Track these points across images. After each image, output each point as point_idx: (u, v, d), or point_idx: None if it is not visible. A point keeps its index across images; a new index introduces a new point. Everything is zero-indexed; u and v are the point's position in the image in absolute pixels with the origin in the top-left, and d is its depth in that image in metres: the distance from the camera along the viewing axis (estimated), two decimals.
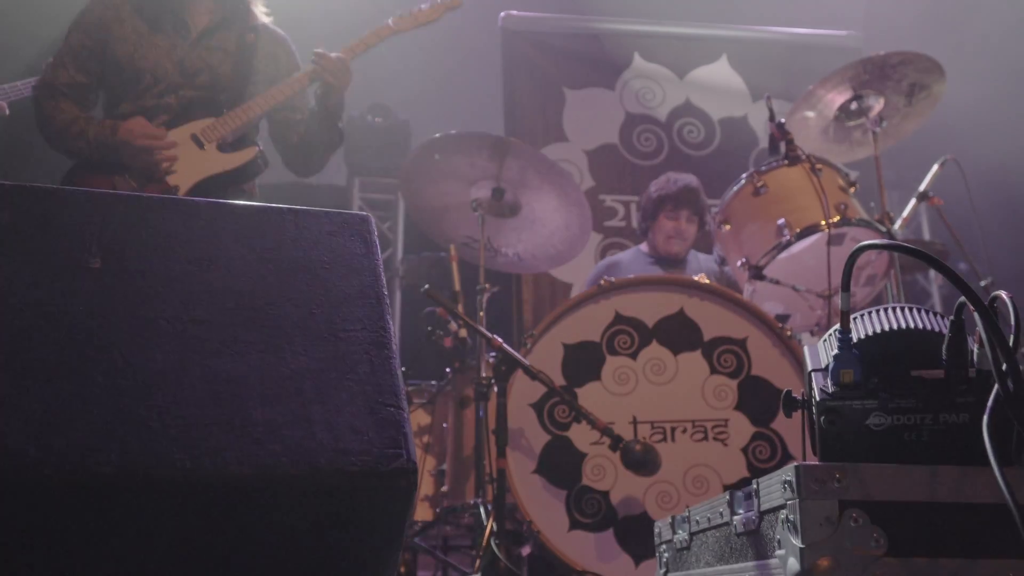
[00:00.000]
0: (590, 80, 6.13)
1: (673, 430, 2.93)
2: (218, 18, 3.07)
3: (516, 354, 2.86)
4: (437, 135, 3.53)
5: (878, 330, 1.23)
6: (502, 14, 6.15)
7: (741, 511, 1.29)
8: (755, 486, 1.21)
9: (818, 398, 1.19)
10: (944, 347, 1.17)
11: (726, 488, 2.87)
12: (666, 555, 1.72)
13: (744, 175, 3.41)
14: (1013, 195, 5.90)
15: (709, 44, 6.33)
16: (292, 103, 3.15)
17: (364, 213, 1.38)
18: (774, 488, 1.13)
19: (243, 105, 3.00)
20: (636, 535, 2.82)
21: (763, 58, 6.33)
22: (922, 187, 4.04)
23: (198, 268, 1.16)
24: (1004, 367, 1.05)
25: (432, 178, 3.62)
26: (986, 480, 1.05)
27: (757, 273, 3.24)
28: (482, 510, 3.02)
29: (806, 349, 1.32)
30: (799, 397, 1.29)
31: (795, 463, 1.07)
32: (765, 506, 1.17)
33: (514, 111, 5.97)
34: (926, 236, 6.52)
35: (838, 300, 3.29)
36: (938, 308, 6.75)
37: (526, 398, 2.96)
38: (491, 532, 2.77)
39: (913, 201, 4.06)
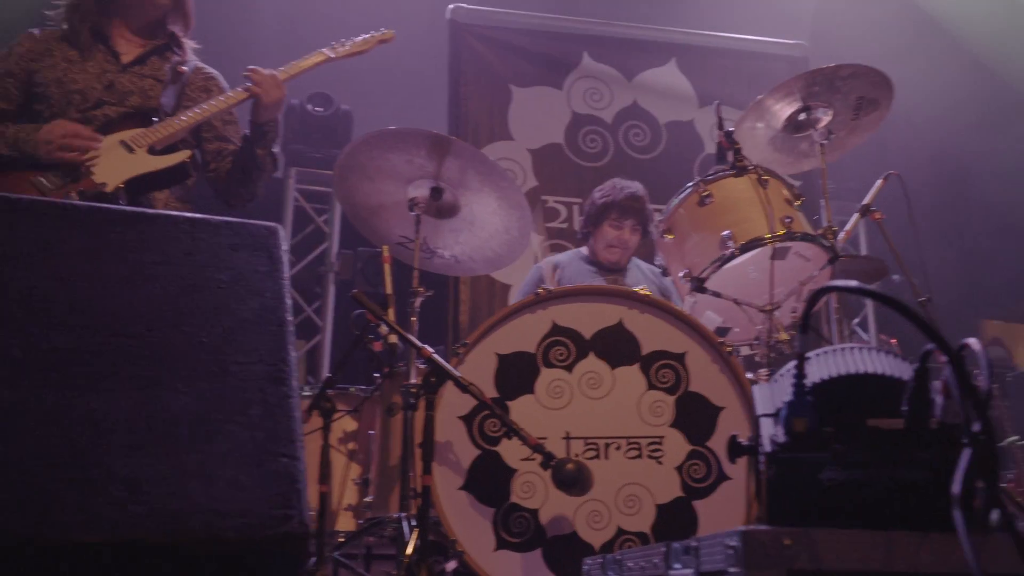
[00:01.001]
0: (538, 78, 6.02)
1: (607, 447, 2.82)
2: (149, 49, 3.08)
3: (447, 365, 2.71)
4: (374, 131, 3.37)
5: (834, 374, 1.12)
6: (451, 6, 6.01)
7: (678, 565, 1.18)
8: (695, 544, 1.10)
9: (768, 449, 1.08)
10: (906, 397, 1.06)
11: (659, 508, 2.77)
12: None
13: (690, 184, 3.31)
14: (952, 212, 5.94)
15: (659, 48, 6.26)
16: (226, 133, 3.15)
17: (272, 224, 1.23)
18: (716, 550, 1.02)
19: (174, 117, 2.93)
20: (565, 556, 2.70)
21: (711, 64, 6.29)
22: (865, 201, 4.01)
23: (64, 285, 0.99)
24: (976, 426, 0.95)
25: (368, 175, 3.46)
26: (948, 549, 0.95)
27: (699, 285, 3.15)
28: (405, 525, 2.88)
29: (755, 389, 1.21)
30: (745, 443, 1.17)
31: (741, 528, 0.96)
32: (706, 567, 1.06)
33: (459, 106, 5.84)
34: (863, 250, 6.54)
35: (779, 314, 3.23)
36: (871, 323, 6.79)
37: (456, 410, 2.82)
38: (414, 550, 2.63)
39: (856, 215, 4.04)
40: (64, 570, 0.81)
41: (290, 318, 1.13)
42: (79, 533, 0.79)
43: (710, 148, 6.13)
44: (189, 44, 3.18)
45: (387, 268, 3.38)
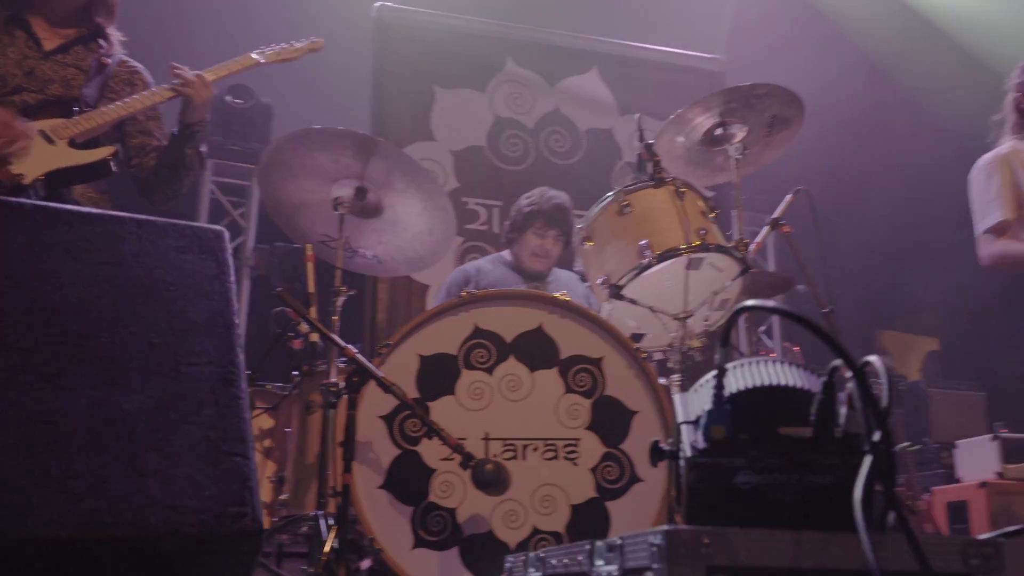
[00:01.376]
0: (461, 80, 6.06)
1: (525, 448, 2.89)
2: (73, 38, 3.02)
3: (370, 365, 2.76)
4: (301, 129, 3.38)
5: (750, 385, 1.21)
6: (376, 4, 6.01)
7: (601, 562, 1.25)
8: (619, 542, 1.17)
9: (689, 454, 1.17)
10: (814, 407, 1.16)
11: (573, 508, 2.86)
12: None
13: (610, 193, 3.41)
14: (854, 225, 6.22)
15: (581, 56, 6.37)
16: (149, 128, 3.11)
17: (218, 228, 1.26)
18: (640, 548, 1.10)
19: (96, 110, 2.88)
20: (481, 554, 2.77)
21: (632, 74, 6.43)
22: (775, 215, 4.18)
23: (17, 284, 1.01)
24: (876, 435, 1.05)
25: (293, 172, 3.46)
26: (850, 546, 1.05)
27: (617, 292, 3.25)
28: (323, 523, 2.90)
29: (676, 398, 1.29)
30: (666, 447, 1.26)
31: (664, 527, 1.04)
32: (630, 564, 1.13)
33: (382, 104, 5.84)
34: (771, 262, 6.80)
35: (692, 322, 3.35)
36: (776, 332, 7.05)
37: (377, 410, 2.86)
38: (331, 548, 2.66)
39: (765, 228, 4.21)
40: (26, 565, 0.83)
41: (238, 321, 1.16)
42: (41, 529, 0.82)
43: (628, 156, 6.27)
44: (116, 36, 3.12)
45: (310, 266, 3.39)
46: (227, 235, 1.29)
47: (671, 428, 2.88)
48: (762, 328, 6.84)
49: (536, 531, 2.80)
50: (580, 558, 1.32)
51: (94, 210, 1.21)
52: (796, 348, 7.24)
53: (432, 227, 3.60)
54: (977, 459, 4.92)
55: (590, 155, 6.19)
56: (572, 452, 2.90)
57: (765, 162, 3.99)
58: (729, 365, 1.28)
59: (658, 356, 3.63)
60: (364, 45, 6.07)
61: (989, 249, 3.79)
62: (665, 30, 6.78)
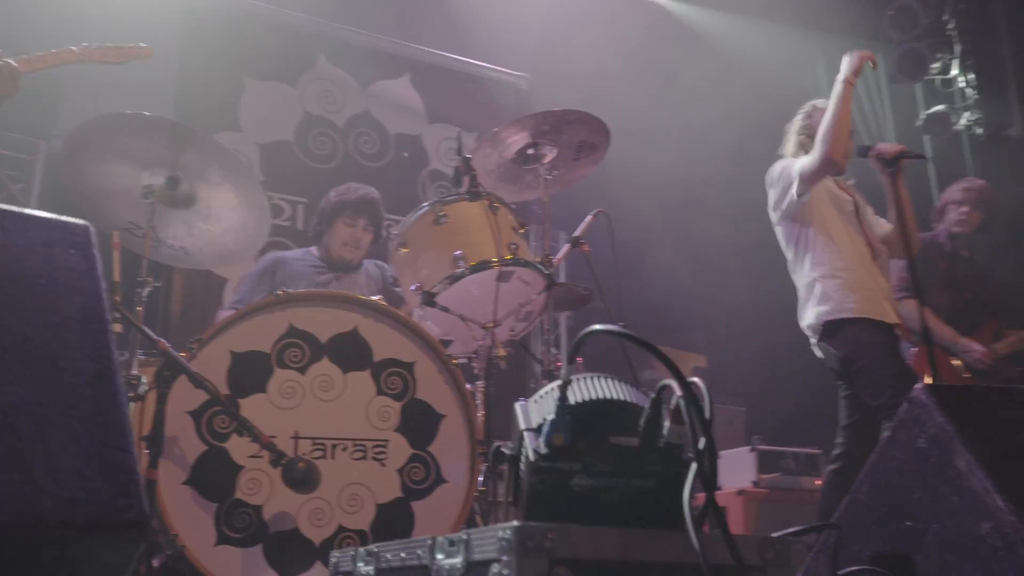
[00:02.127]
0: (272, 73, 5.97)
1: (334, 447, 2.95)
2: None
3: (181, 359, 2.72)
4: (115, 112, 3.26)
5: (588, 398, 1.36)
6: None
7: (442, 556, 1.36)
8: (465, 537, 1.28)
9: (532, 458, 1.30)
10: (642, 420, 1.32)
11: (379, 507, 2.94)
12: None
13: (427, 203, 3.52)
14: (650, 250, 6.66)
15: (394, 60, 6.44)
16: None
17: (84, 223, 1.26)
18: (488, 541, 1.21)
19: None
20: (285, 551, 2.80)
21: (443, 83, 6.57)
22: (576, 233, 4.45)
23: None
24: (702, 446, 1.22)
25: (100, 156, 3.33)
26: (670, 542, 1.21)
27: (429, 299, 3.36)
28: None
29: (517, 406, 1.42)
30: (507, 452, 1.38)
31: (514, 523, 1.16)
32: (477, 557, 1.25)
33: (188, 90, 5.65)
34: (563, 277, 7.13)
35: (499, 332, 3.51)
36: (563, 341, 7.40)
37: (184, 405, 2.82)
38: None
39: (567, 246, 4.47)
40: None
41: (109, 317, 1.18)
42: None
43: (436, 164, 6.41)
44: None
45: (116, 255, 3.27)
46: (93, 229, 1.29)
47: (477, 432, 3.03)
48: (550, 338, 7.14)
49: (342, 529, 2.86)
50: (420, 552, 1.42)
51: None
52: (579, 360, 7.62)
53: (246, 222, 3.57)
54: (736, 469, 5.42)
55: (398, 160, 6.27)
56: (380, 453, 2.98)
57: (571, 183, 4.24)
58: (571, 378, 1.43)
59: (460, 361, 3.78)
60: (171, 27, 5.85)
61: (811, 160, 4.03)
62: (474, 43, 6.96)
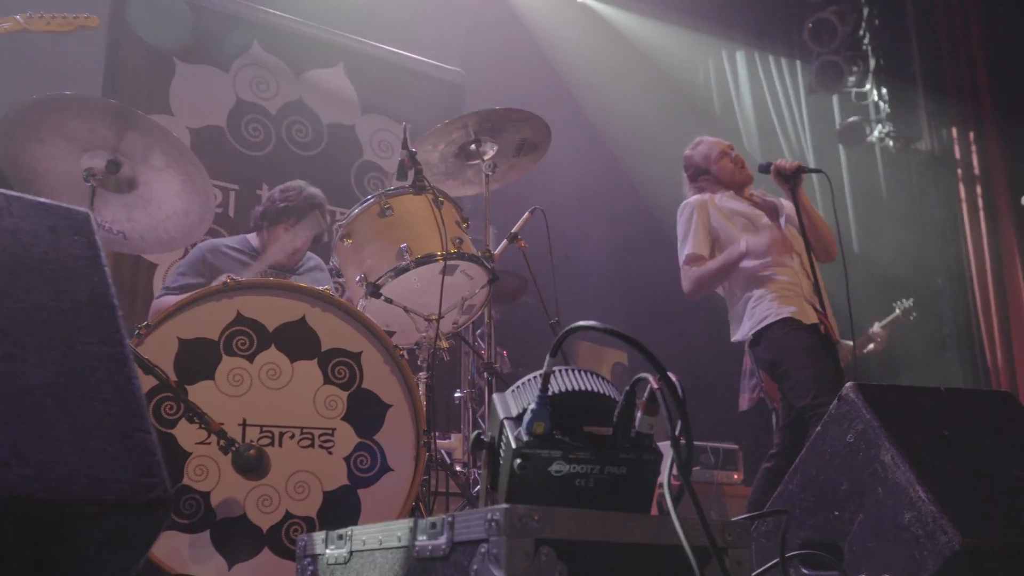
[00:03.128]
0: (205, 57, 5.90)
1: (281, 435, 2.97)
2: None
3: (131, 346, 2.71)
4: (57, 93, 3.21)
5: (566, 389, 1.44)
6: None
7: (424, 538, 1.42)
8: (450, 519, 1.35)
9: (514, 445, 1.38)
10: (616, 411, 1.41)
11: (326, 494, 2.98)
12: (310, 568, 1.79)
13: (372, 195, 3.56)
14: (585, 246, 6.79)
15: (329, 49, 6.42)
16: None
17: (85, 210, 1.30)
18: (476, 523, 1.29)
19: None
20: (232, 537, 2.81)
21: (377, 74, 6.58)
22: (513, 229, 4.53)
23: None
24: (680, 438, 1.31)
25: (40, 136, 3.28)
26: (644, 524, 1.31)
27: (374, 291, 3.41)
28: None
29: (495, 397, 1.49)
30: (486, 439, 1.46)
31: (503, 505, 1.24)
32: (461, 538, 1.32)
33: (116, 71, 5.54)
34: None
35: (442, 324, 3.57)
36: (493, 336, 7.48)
37: None
38: None
39: (504, 242, 4.55)
40: None
41: (117, 303, 1.22)
42: None
43: (369, 155, 6.42)
44: None
45: None
46: (93, 218, 1.33)
47: (422, 421, 3.09)
48: (479, 331, 7.24)
49: (289, 515, 2.89)
50: (399, 534, 1.49)
51: None
52: (504, 352, 7.75)
53: (188, 209, 3.56)
54: None
55: (331, 150, 6.26)
56: (327, 441, 3.02)
57: (511, 180, 4.33)
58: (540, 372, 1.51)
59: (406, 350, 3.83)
60: (100, 6, 5.72)
61: (686, 277, 4.39)
62: (408, 37, 6.99)
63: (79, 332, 1.11)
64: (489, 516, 1.25)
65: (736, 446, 6.25)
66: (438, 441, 5.01)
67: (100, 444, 1.00)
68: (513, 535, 1.22)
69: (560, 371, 1.49)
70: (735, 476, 5.94)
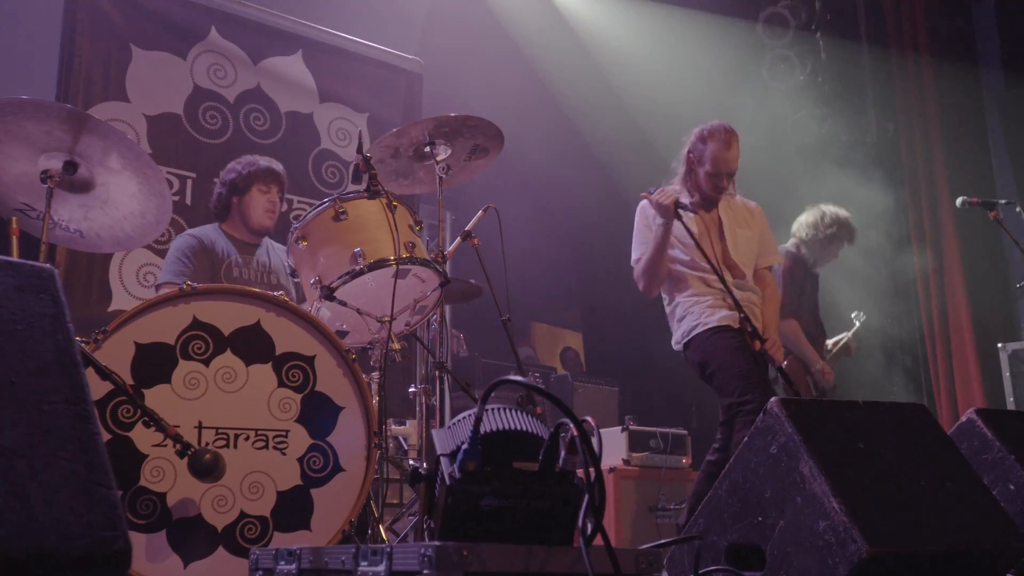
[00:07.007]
0: (162, 43, 5.90)
1: (236, 437, 3.07)
2: None
3: (87, 351, 2.80)
4: (12, 97, 3.25)
5: (495, 428, 1.57)
6: None
7: (365, 564, 1.55)
8: (388, 549, 1.48)
9: (448, 482, 1.50)
10: (542, 449, 1.54)
11: (279, 494, 3.09)
12: None
13: (328, 199, 3.64)
14: (539, 245, 6.92)
15: (287, 37, 6.45)
16: None
17: (48, 266, 1.39)
18: (410, 555, 1.42)
19: None
20: (188, 537, 2.92)
21: (335, 63, 6.62)
22: (467, 228, 4.64)
23: None
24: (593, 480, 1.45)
25: None
26: (564, 556, 1.45)
27: (329, 293, 3.50)
28: None
29: (435, 433, 1.62)
30: (423, 472, 1.58)
31: (435, 543, 1.37)
32: (398, 568, 1.45)
33: (72, 58, 5.53)
34: (450, 270, 7.32)
35: (394, 326, 3.67)
36: (449, 321, 7.61)
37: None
38: None
39: (458, 239, 4.66)
40: None
41: (80, 360, 1.32)
42: None
43: (327, 143, 6.47)
44: None
45: (15, 241, 3.29)
46: (58, 274, 1.42)
47: (373, 422, 3.21)
48: (434, 316, 7.34)
49: (243, 515, 3.01)
50: (343, 558, 1.61)
51: None
52: (462, 335, 7.89)
53: (146, 210, 3.62)
54: (609, 447, 5.77)
55: (289, 138, 6.31)
56: (281, 442, 3.13)
57: (463, 181, 4.43)
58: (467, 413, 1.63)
59: (357, 349, 3.94)
60: None
61: (635, 276, 4.57)
62: (365, 23, 7.03)
63: (46, 392, 1.21)
64: (422, 551, 1.38)
65: (685, 431, 6.43)
66: (394, 427, 5.16)
67: (66, 500, 1.11)
68: (443, 569, 1.35)
69: (492, 410, 1.61)
70: (684, 460, 6.12)
